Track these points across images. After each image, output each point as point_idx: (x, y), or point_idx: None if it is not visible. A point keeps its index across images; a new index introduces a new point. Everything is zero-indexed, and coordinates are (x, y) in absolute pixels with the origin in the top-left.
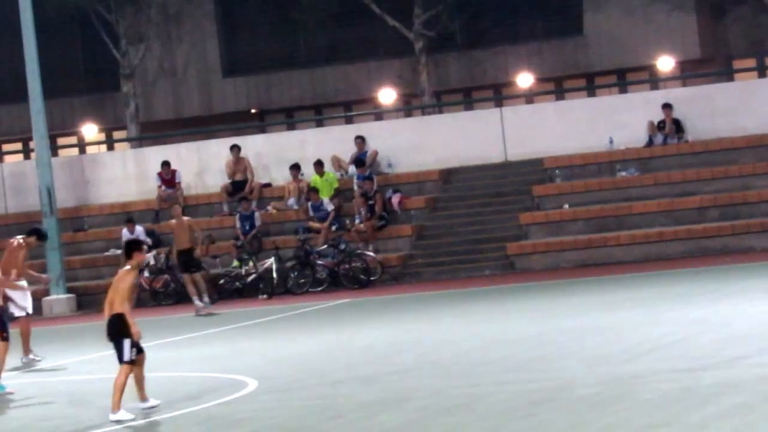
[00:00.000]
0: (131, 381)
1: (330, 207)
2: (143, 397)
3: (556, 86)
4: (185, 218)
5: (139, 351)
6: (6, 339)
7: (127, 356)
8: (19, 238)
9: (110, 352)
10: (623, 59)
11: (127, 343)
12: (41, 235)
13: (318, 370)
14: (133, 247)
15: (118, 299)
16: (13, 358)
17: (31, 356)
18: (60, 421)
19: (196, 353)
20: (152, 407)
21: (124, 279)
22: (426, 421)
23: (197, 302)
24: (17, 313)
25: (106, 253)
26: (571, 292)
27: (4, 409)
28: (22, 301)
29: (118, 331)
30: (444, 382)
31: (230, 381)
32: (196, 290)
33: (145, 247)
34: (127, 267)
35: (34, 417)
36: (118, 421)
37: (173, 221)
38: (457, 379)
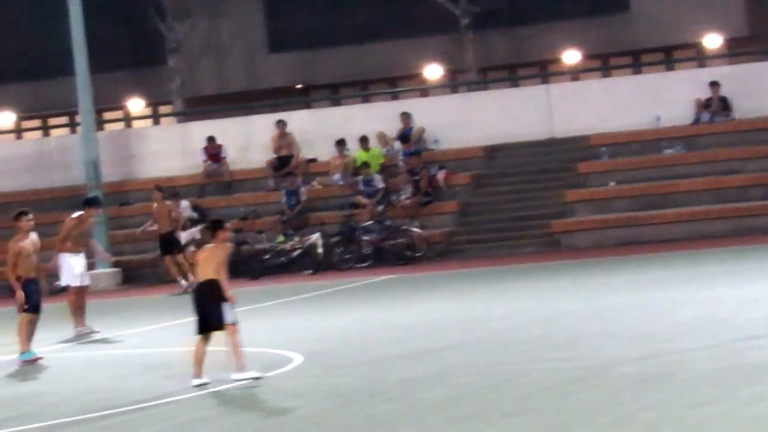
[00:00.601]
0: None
1: (380, 183)
2: (239, 364)
3: (602, 63)
4: (167, 202)
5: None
6: (30, 311)
7: (229, 318)
8: (74, 215)
9: (156, 326)
10: (670, 36)
11: (226, 306)
12: (91, 202)
13: (362, 346)
14: (217, 226)
15: (213, 268)
16: (65, 330)
17: (82, 328)
18: (102, 395)
19: (241, 328)
20: (205, 383)
21: (218, 253)
22: (468, 398)
23: (182, 282)
24: (65, 282)
25: (151, 228)
26: (616, 270)
27: (48, 382)
28: (70, 273)
29: (216, 296)
30: (486, 359)
31: (275, 356)
32: (179, 271)
33: (227, 225)
34: (212, 245)
35: (78, 390)
36: (255, 378)
37: (154, 205)
38: (500, 356)
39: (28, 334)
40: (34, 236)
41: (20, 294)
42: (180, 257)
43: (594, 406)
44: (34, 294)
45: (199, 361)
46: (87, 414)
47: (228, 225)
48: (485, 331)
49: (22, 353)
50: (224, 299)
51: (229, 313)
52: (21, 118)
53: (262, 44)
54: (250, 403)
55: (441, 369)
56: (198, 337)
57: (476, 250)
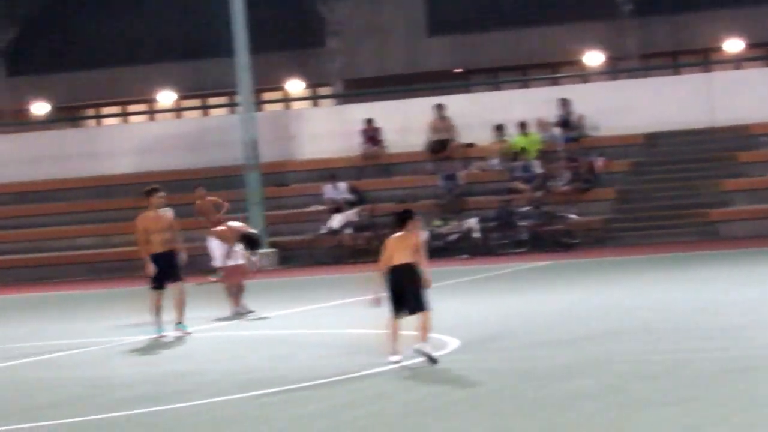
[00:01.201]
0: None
1: (538, 169)
2: (424, 340)
3: (765, 52)
4: (209, 198)
5: None
6: (156, 288)
7: (429, 304)
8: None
9: (312, 306)
10: None
11: (427, 292)
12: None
13: (517, 332)
14: (406, 216)
15: (409, 252)
16: (222, 309)
17: (239, 308)
18: (259, 374)
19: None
20: (399, 361)
21: (409, 240)
22: (624, 387)
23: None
24: (218, 263)
25: (308, 209)
26: None
27: (205, 360)
28: (219, 254)
29: (415, 279)
30: (642, 347)
31: (432, 340)
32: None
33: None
34: (401, 233)
35: (235, 368)
36: (431, 359)
37: (197, 202)
38: (656, 344)
39: (156, 310)
40: (166, 212)
41: (150, 268)
42: None
43: (755, 396)
44: (158, 271)
45: (395, 338)
46: (244, 393)
47: (417, 216)
48: (642, 319)
49: (156, 329)
50: (423, 283)
51: (427, 299)
52: (181, 97)
53: (422, 27)
54: (401, 388)
55: (597, 356)
56: (392, 316)
57: (633, 237)
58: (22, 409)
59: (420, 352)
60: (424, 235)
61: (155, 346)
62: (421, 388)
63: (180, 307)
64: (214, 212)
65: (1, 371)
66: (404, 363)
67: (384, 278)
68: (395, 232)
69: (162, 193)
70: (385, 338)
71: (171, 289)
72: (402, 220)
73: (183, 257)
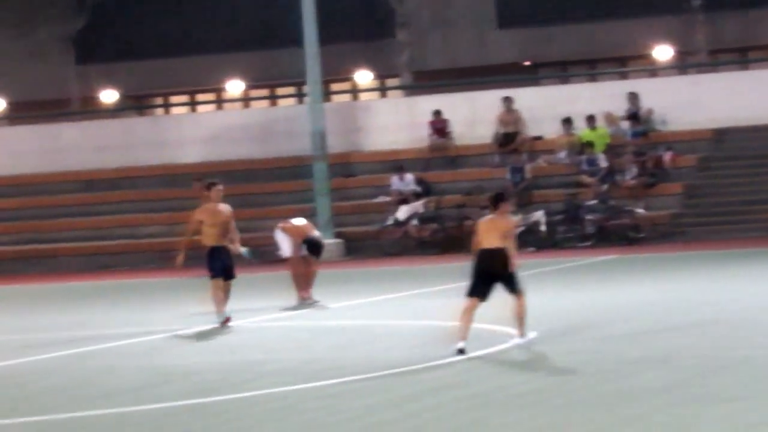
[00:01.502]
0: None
1: (604, 163)
2: (521, 333)
3: None
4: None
5: None
6: (215, 277)
7: (522, 287)
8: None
9: (378, 297)
10: None
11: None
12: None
13: (585, 325)
14: (499, 198)
15: (498, 236)
16: (288, 299)
17: (305, 298)
18: (324, 364)
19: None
20: (530, 340)
21: (500, 224)
22: (690, 382)
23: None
24: (284, 254)
25: (375, 200)
26: None
27: (270, 350)
28: (286, 245)
29: (505, 264)
30: (709, 342)
31: (495, 332)
32: None
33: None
34: (492, 216)
35: (300, 358)
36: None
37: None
38: (722, 340)
39: (218, 299)
40: (223, 206)
41: (180, 258)
42: None
43: None
44: (216, 261)
45: (466, 323)
46: (308, 383)
47: (509, 199)
48: (709, 314)
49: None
50: (512, 267)
51: (520, 282)
52: (249, 87)
53: (491, 19)
54: (465, 381)
55: (664, 351)
56: (468, 300)
57: (701, 233)
58: (85, 397)
59: (518, 345)
60: (515, 221)
61: (220, 335)
62: (485, 381)
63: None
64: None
65: (66, 359)
66: (468, 354)
67: (471, 261)
68: (474, 220)
69: (220, 187)
70: (456, 322)
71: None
72: (495, 202)
73: (233, 249)
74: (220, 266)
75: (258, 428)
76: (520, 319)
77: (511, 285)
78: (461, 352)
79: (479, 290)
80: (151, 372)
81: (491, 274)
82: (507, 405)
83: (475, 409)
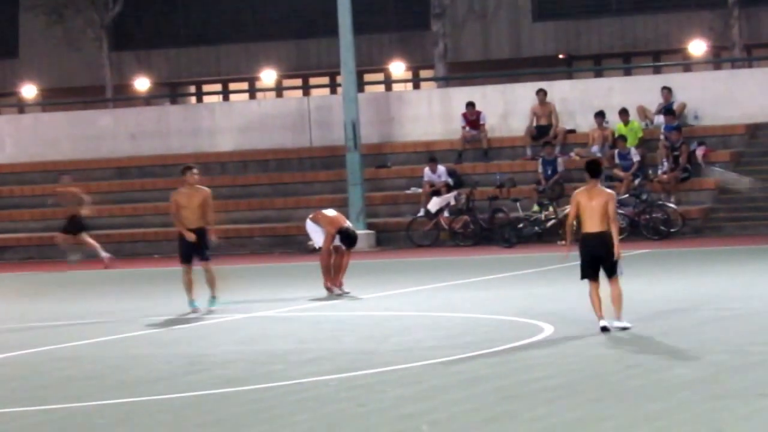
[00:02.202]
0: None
1: (636, 157)
2: (618, 316)
3: None
4: (71, 188)
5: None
6: (184, 263)
7: (622, 271)
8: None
9: (408, 289)
10: None
11: (621, 260)
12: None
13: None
14: (596, 167)
15: (601, 219)
16: (317, 290)
17: (335, 289)
18: (354, 356)
19: (493, 296)
20: (625, 327)
21: (601, 194)
22: (720, 377)
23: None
24: (316, 244)
25: (408, 191)
26: None
27: (299, 341)
28: (317, 235)
29: (610, 247)
30: (740, 338)
31: (525, 325)
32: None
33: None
34: (590, 186)
35: (329, 349)
36: (623, 328)
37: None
38: (753, 336)
39: (186, 286)
40: (200, 190)
41: (190, 235)
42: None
43: None
44: (182, 248)
45: (597, 303)
46: (338, 374)
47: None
48: (739, 310)
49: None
50: (617, 254)
51: (622, 266)
52: (282, 76)
53: (526, 12)
54: (497, 373)
55: (696, 345)
56: (588, 283)
57: (734, 228)
58: (118, 384)
59: (616, 328)
60: (611, 192)
61: (251, 324)
62: (514, 374)
63: (213, 283)
64: (74, 204)
65: (100, 345)
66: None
67: (577, 246)
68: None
69: (195, 170)
70: (590, 304)
71: (201, 268)
72: (593, 170)
73: (213, 238)
74: (185, 252)
75: (289, 418)
76: (617, 303)
77: (611, 269)
78: (604, 329)
79: (589, 273)
80: (182, 360)
81: (597, 257)
82: (536, 399)
83: (505, 402)
